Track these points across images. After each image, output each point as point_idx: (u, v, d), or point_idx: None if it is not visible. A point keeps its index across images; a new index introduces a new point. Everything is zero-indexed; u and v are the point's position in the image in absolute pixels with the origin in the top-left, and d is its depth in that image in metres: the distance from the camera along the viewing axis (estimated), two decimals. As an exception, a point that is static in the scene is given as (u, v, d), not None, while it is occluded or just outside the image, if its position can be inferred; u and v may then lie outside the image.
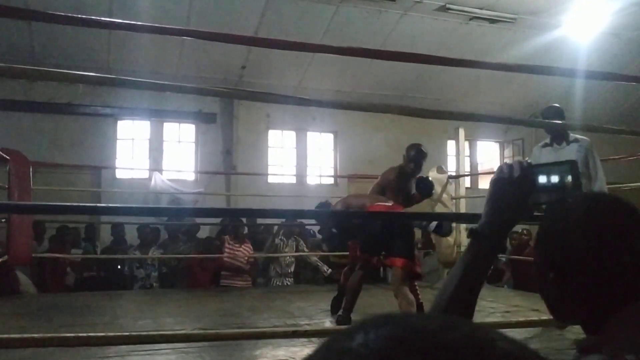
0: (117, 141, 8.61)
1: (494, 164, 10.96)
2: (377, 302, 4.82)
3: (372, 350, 0.34)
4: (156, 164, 8.65)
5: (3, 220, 4.60)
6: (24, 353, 2.71)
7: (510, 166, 0.85)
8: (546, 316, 3.46)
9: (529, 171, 0.84)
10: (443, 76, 8.49)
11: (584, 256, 0.77)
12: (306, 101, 2.67)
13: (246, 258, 6.31)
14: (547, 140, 4.12)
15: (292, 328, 2.76)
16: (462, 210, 6.37)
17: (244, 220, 6.70)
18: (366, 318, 0.38)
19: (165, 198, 7.90)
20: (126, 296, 5.49)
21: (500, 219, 0.83)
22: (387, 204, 3.85)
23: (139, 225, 6.34)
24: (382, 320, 0.37)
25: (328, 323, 3.95)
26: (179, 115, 8.81)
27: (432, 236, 6.80)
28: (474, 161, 10.66)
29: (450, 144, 9.54)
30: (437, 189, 6.16)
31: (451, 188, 6.34)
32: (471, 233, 0.84)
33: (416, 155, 4.09)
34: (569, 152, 3.87)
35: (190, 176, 8.94)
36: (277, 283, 6.35)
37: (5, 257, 4.45)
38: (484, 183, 9.72)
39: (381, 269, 6.08)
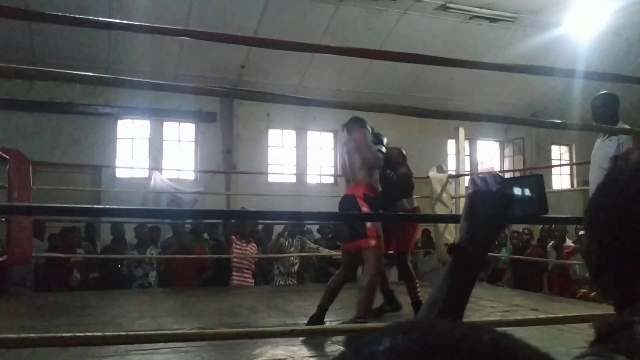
0: (117, 140, 8.62)
1: (495, 163, 10.95)
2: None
3: (399, 355, 0.36)
4: (156, 163, 8.66)
5: (3, 219, 4.60)
6: (22, 353, 2.71)
7: (484, 179, 0.84)
8: (546, 315, 3.46)
9: (505, 184, 0.84)
10: (443, 75, 8.49)
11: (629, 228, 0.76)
12: (305, 101, 2.66)
13: (255, 258, 6.35)
14: (601, 134, 4.21)
15: (290, 327, 2.76)
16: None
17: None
18: (393, 324, 0.40)
19: (165, 197, 7.91)
20: (125, 295, 5.49)
21: (481, 233, 0.82)
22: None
23: (136, 224, 6.35)
24: (409, 325, 0.38)
25: (327, 322, 3.95)
26: (178, 115, 8.81)
27: (432, 235, 6.81)
28: (474, 160, 10.65)
29: (450, 143, 9.54)
30: (437, 188, 6.17)
31: (451, 187, 6.34)
32: (453, 249, 0.82)
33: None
34: (605, 145, 4.02)
35: (190, 175, 8.95)
36: (280, 282, 6.34)
37: (5, 256, 4.46)
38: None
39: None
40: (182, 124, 9.03)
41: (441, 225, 5.94)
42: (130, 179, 8.39)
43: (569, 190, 10.17)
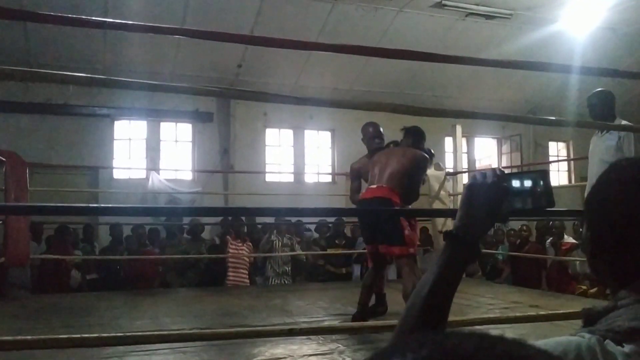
0: (114, 141, 8.60)
1: (492, 160, 10.96)
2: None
3: None
4: (153, 164, 8.65)
5: (0, 222, 4.58)
6: (20, 355, 2.70)
7: (483, 174, 0.87)
8: (544, 312, 3.46)
9: (503, 178, 0.87)
10: (440, 73, 8.49)
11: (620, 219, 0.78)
12: (302, 100, 2.66)
13: (249, 257, 6.35)
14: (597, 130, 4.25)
15: (290, 326, 2.75)
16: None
17: (243, 219, 6.71)
18: (403, 339, 0.39)
19: (163, 198, 7.89)
20: (123, 296, 5.47)
21: (474, 222, 0.85)
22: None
23: (133, 225, 6.33)
24: (420, 341, 0.38)
25: (326, 321, 3.94)
26: (175, 115, 8.80)
27: (432, 234, 6.81)
28: (471, 158, 10.66)
29: (448, 141, 9.53)
30: (435, 185, 6.17)
31: (449, 185, 6.34)
32: (447, 235, 0.85)
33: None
34: (604, 140, 4.05)
35: (188, 175, 8.93)
36: (276, 281, 6.35)
37: (2, 258, 4.44)
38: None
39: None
40: (179, 124, 9.02)
41: (439, 224, 5.94)
42: (128, 179, 8.37)
43: (567, 187, 10.18)
